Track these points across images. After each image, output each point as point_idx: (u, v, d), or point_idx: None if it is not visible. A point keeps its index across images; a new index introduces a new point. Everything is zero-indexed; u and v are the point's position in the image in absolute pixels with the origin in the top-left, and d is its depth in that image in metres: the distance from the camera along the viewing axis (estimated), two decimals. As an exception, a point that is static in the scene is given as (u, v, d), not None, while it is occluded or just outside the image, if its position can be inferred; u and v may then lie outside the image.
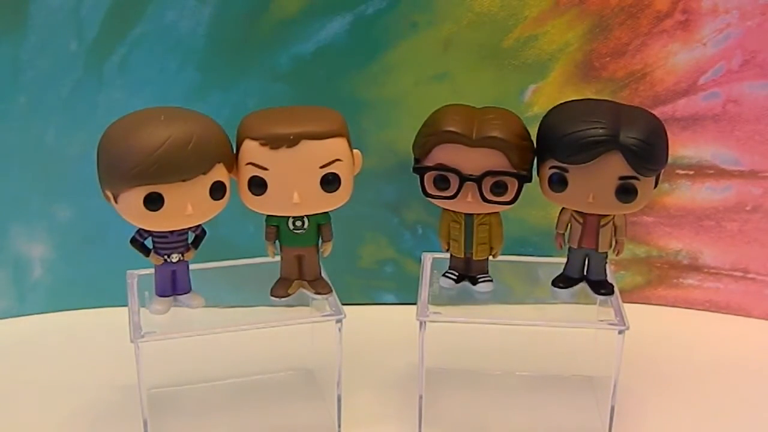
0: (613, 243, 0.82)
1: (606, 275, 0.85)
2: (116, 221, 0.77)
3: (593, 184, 0.77)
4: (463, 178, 0.79)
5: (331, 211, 0.81)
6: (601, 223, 0.81)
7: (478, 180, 0.79)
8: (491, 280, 0.86)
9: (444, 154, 0.79)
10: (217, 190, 0.76)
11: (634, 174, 0.76)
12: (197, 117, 0.76)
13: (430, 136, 0.79)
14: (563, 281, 0.85)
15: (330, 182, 0.78)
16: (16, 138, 0.99)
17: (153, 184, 0.73)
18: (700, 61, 0.98)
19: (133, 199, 0.74)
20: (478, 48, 0.98)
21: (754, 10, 0.96)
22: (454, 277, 0.86)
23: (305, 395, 0.92)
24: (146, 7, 0.96)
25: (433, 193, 0.81)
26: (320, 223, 0.82)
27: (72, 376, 0.95)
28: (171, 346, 0.80)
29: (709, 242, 1.06)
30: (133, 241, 0.79)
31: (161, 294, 0.81)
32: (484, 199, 0.80)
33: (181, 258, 0.80)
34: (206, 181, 0.75)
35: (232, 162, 0.78)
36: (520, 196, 0.80)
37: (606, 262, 0.84)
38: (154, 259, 0.80)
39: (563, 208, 0.82)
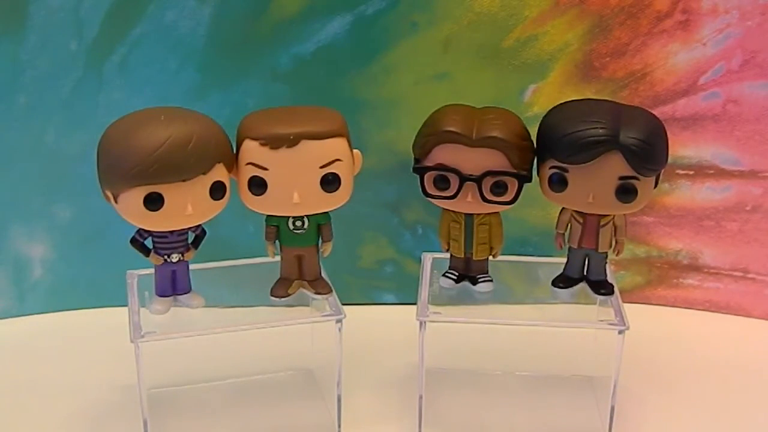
0: (613, 243, 0.82)
1: (606, 275, 0.85)
2: (116, 221, 0.77)
3: (593, 184, 0.77)
4: (463, 178, 0.79)
5: (331, 211, 0.81)
6: (601, 223, 0.81)
7: (478, 180, 0.79)
8: (491, 280, 0.86)
9: (444, 154, 0.79)
10: (217, 190, 0.76)
11: (634, 174, 0.76)
12: (197, 117, 0.76)
13: (430, 136, 0.79)
14: (563, 281, 0.85)
15: (330, 182, 0.78)
16: (16, 138, 0.99)
17: (153, 184, 0.73)
18: (700, 61, 0.98)
19: (133, 199, 0.74)
20: (478, 48, 0.98)
21: (754, 10, 0.96)
22: (454, 277, 0.86)
23: (305, 395, 0.92)
24: (146, 7, 0.96)
25: (433, 193, 0.81)
26: (320, 223, 0.82)
27: (72, 376, 0.95)
28: (171, 346, 0.80)
29: (709, 242, 1.06)
30: (133, 241, 0.79)
31: (161, 294, 0.81)
32: (484, 199, 0.80)
33: (181, 258, 0.80)
34: (206, 181, 0.75)
35: (232, 162, 0.78)
36: (520, 196, 0.80)
37: (606, 262, 0.84)
38: (154, 259, 0.80)
39: (563, 208, 0.82)
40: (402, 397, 0.91)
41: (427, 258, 0.90)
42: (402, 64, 0.99)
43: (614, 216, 0.81)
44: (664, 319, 1.08)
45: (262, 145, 0.76)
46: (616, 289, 0.85)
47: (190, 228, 0.80)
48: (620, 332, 0.81)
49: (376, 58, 0.99)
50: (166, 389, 0.91)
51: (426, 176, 0.80)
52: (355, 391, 0.90)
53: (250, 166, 0.77)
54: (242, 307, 0.85)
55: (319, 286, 0.84)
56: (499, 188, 0.79)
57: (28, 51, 0.96)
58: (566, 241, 0.83)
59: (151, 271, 0.82)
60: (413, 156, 0.81)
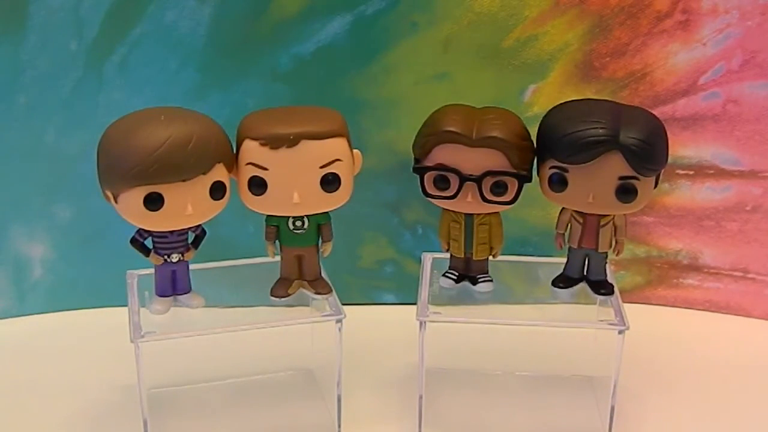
0: (613, 243, 0.82)
1: (606, 275, 0.85)
2: (116, 221, 0.77)
3: (593, 184, 0.77)
4: (463, 178, 0.79)
5: (331, 211, 0.81)
6: (601, 223, 0.81)
7: (478, 180, 0.79)
8: (491, 280, 0.86)
9: (444, 154, 0.79)
10: (217, 190, 0.76)
11: (634, 174, 0.76)
12: (197, 117, 0.76)
13: (430, 136, 0.79)
14: (563, 281, 0.85)
15: (330, 182, 0.78)
16: (16, 138, 0.99)
17: (153, 184, 0.73)
18: (700, 61, 0.98)
19: (133, 199, 0.74)
20: (478, 48, 0.98)
21: (754, 10, 0.96)
22: (454, 277, 0.86)
23: (305, 395, 0.92)
24: (146, 7, 0.96)
25: (433, 193, 0.81)
26: (320, 223, 0.82)
27: (72, 376, 0.95)
28: (171, 346, 0.80)
29: (709, 242, 1.06)
30: (133, 241, 0.79)
31: (161, 294, 0.81)
32: (484, 199, 0.80)
33: (181, 258, 0.80)
34: (206, 181, 0.75)
35: (232, 162, 0.78)
36: (520, 196, 0.80)
37: (606, 262, 0.84)
38: (154, 259, 0.80)
39: (563, 208, 0.82)
40: (402, 397, 0.91)
41: (427, 258, 0.90)
42: (402, 64, 0.99)
43: (614, 216, 0.81)
44: (664, 319, 1.08)
45: (262, 145, 0.76)
46: (616, 289, 0.85)
47: (190, 228, 0.80)
48: (620, 332, 0.81)
49: (376, 58, 0.99)
50: (166, 389, 0.91)
51: (426, 176, 0.80)
52: (355, 391, 0.90)
53: (250, 166, 0.77)
54: (242, 307, 0.85)
55: (319, 286, 0.84)
56: (499, 188, 0.79)
57: (28, 51, 0.96)
58: (566, 241, 0.83)
59: (151, 271, 0.82)
60: (413, 156, 0.81)
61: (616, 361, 0.82)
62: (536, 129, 0.80)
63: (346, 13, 0.97)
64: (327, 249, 0.83)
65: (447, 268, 0.87)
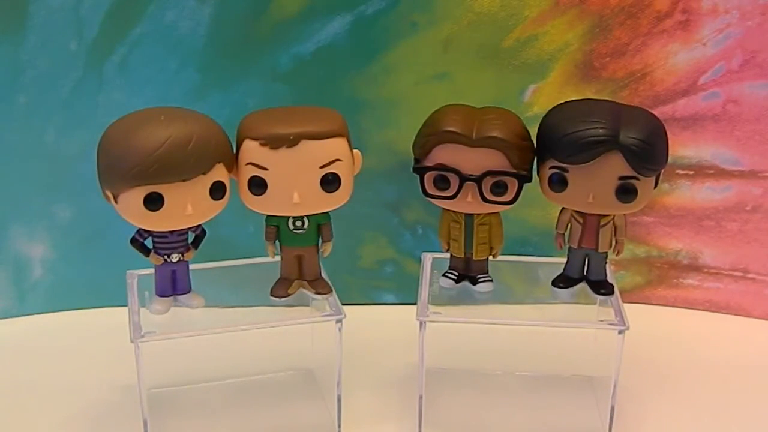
0: (613, 243, 0.82)
1: (606, 275, 0.85)
2: (116, 221, 0.77)
3: (593, 184, 0.77)
4: (463, 178, 0.79)
5: (331, 211, 0.81)
6: (601, 223, 0.81)
7: (478, 180, 0.79)
8: (491, 280, 0.86)
9: (444, 154, 0.79)
10: (217, 190, 0.76)
11: (634, 174, 0.76)
12: (197, 117, 0.76)
13: (430, 136, 0.79)
14: (563, 281, 0.85)
15: (330, 182, 0.78)
16: (16, 138, 0.99)
17: (153, 184, 0.73)
18: (700, 61, 0.98)
19: (133, 199, 0.74)
20: (478, 48, 0.98)
21: (754, 10, 0.96)
22: (454, 277, 0.86)
23: (305, 395, 0.92)
24: (146, 7, 0.96)
25: (433, 193, 0.81)
26: (320, 223, 0.82)
27: (72, 376, 0.95)
28: (171, 346, 0.80)
29: (709, 242, 1.06)
30: (133, 241, 0.79)
31: (161, 294, 0.81)
32: (484, 199, 0.80)
33: (181, 258, 0.80)
34: (206, 181, 0.75)
35: (232, 162, 0.78)
36: (520, 196, 0.80)
37: (606, 262, 0.84)
38: (154, 259, 0.80)
39: (563, 208, 0.82)
40: (402, 397, 0.91)
41: (427, 258, 0.90)
42: (402, 64, 0.99)
43: (614, 216, 0.81)
44: (664, 319, 1.08)
45: (262, 145, 0.76)
46: (616, 289, 0.85)
47: (190, 228, 0.80)
48: (620, 332, 0.81)
49: (376, 58, 0.99)
50: (166, 389, 0.91)
51: (426, 176, 0.80)
52: (355, 391, 0.90)
53: (250, 166, 0.77)
54: (242, 307, 0.85)
55: (319, 286, 0.84)
56: (499, 188, 0.79)
57: (28, 51, 0.96)
58: (566, 241, 0.83)
59: (151, 271, 0.82)
60: (413, 156, 0.81)
61: (616, 361, 0.82)
62: (536, 129, 0.80)
63: (346, 13, 0.97)
64: (327, 249, 0.83)
65: (447, 268, 0.87)
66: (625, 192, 0.77)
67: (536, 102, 1.00)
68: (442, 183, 0.80)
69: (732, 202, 1.04)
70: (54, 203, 1.03)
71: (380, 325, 1.02)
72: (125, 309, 0.83)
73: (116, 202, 0.75)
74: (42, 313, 1.06)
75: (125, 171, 0.72)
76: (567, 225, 0.83)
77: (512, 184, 0.79)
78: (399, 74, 0.99)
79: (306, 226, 0.81)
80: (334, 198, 0.79)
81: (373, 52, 0.99)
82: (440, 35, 0.98)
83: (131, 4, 0.96)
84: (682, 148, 1.02)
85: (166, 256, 0.80)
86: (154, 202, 0.74)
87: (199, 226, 0.80)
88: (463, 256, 0.85)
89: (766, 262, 1.06)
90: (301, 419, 0.89)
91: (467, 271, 0.86)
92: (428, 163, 0.80)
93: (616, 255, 0.83)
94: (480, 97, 0.88)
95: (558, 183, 0.78)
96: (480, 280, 0.85)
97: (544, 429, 0.89)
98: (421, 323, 0.82)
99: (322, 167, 0.77)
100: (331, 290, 0.84)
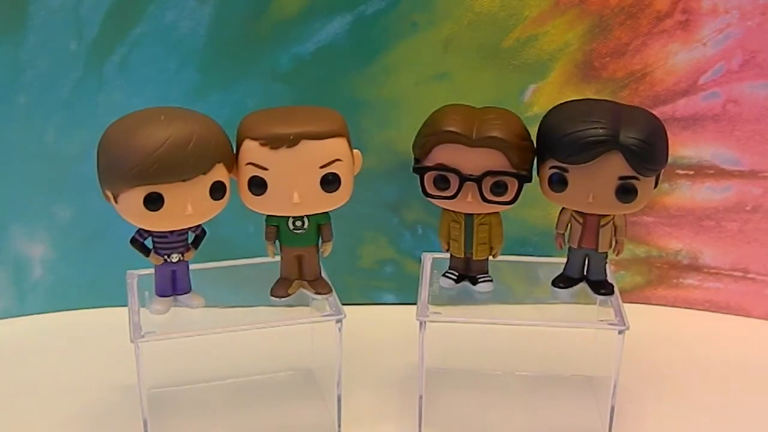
0: (613, 243, 0.82)
1: (606, 275, 0.85)
2: (116, 221, 0.77)
3: (593, 184, 0.77)
4: (463, 178, 0.79)
5: (331, 211, 0.81)
6: (601, 223, 0.81)
7: (478, 180, 0.79)
8: (491, 280, 0.86)
9: (444, 154, 0.79)
10: (217, 190, 0.76)
11: (634, 174, 0.76)
12: (197, 117, 0.76)
13: (430, 136, 0.79)
14: (563, 281, 0.85)
15: (330, 182, 0.78)
16: (16, 138, 0.99)
17: (153, 184, 0.73)
18: (700, 61, 0.98)
19: (133, 199, 0.74)
20: (478, 48, 0.98)
21: (754, 10, 0.96)
22: (454, 277, 0.86)
23: (305, 395, 0.92)
24: (146, 7, 0.96)
25: (433, 193, 0.81)
26: (320, 223, 0.82)
27: (72, 376, 0.95)
28: (171, 346, 0.80)
29: (709, 242, 1.06)
30: (133, 241, 0.79)
31: (161, 294, 0.81)
32: (484, 199, 0.80)
33: (181, 258, 0.80)
34: (206, 181, 0.75)
35: (232, 162, 0.78)
36: (520, 196, 0.80)
37: (606, 262, 0.84)
38: (154, 259, 0.80)
39: (563, 208, 0.82)
40: (402, 397, 0.91)
41: (427, 258, 0.90)
42: (402, 64, 0.99)
43: (614, 216, 0.81)
44: (664, 319, 1.08)
45: (262, 145, 0.76)
46: (616, 289, 0.85)
47: (190, 228, 0.80)
48: (620, 332, 0.81)
49: (376, 58, 0.99)
50: (166, 389, 0.91)
51: (426, 176, 0.80)
52: (355, 391, 0.90)
53: (250, 166, 0.77)
54: (242, 307, 0.85)
55: (319, 286, 0.84)
56: (499, 188, 0.79)
57: (28, 51, 0.96)
58: (566, 241, 0.83)
59: (151, 271, 0.82)
60: (413, 156, 0.81)
61: (616, 361, 0.82)
62: (536, 129, 0.80)
63: (346, 13, 0.97)
64: (327, 249, 0.83)
65: (447, 268, 0.87)
66: (625, 192, 0.77)
67: (536, 102, 1.00)
68: (442, 183, 0.80)
69: (732, 202, 1.04)
70: (54, 203, 1.03)
71: (380, 325, 1.02)
72: (125, 309, 0.83)
73: (116, 202, 0.75)
74: (42, 313, 1.06)
75: (125, 171, 0.72)
76: (567, 225, 0.83)
77: (512, 184, 0.79)
78: (399, 74, 0.99)
79: (306, 226, 0.81)
80: (334, 198, 0.79)
81: (373, 52, 0.99)
82: (440, 35, 0.98)
83: (131, 4, 0.96)
84: (682, 148, 1.02)
85: (166, 256, 0.80)
86: (154, 202, 0.74)
87: (199, 226, 0.80)
88: (463, 256, 0.85)
89: (766, 262, 1.06)
90: (301, 419, 0.89)
91: (467, 271, 0.86)
92: (428, 163, 0.80)
93: (616, 255, 0.83)
94: (480, 97, 0.88)
95: (558, 183, 0.78)
96: (480, 280, 0.85)
97: (544, 429, 0.89)
98: (421, 323, 0.82)
99: (322, 167, 0.77)
100: (331, 290, 0.84)
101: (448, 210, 0.83)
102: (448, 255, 0.86)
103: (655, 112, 0.80)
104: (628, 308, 0.84)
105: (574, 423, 0.89)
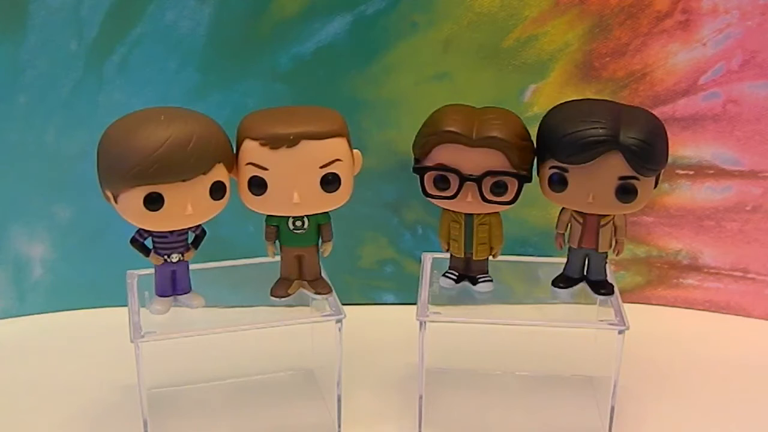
0: (613, 243, 0.82)
1: (606, 275, 0.85)
2: (116, 221, 0.77)
3: (593, 184, 0.77)
4: (463, 178, 0.79)
5: (331, 211, 0.81)
6: (601, 223, 0.81)
7: (478, 180, 0.79)
8: (491, 280, 0.86)
9: (444, 154, 0.79)
10: (217, 190, 0.76)
11: (634, 174, 0.76)
12: (197, 117, 0.76)
13: (430, 136, 0.79)
14: (563, 281, 0.85)
15: (330, 182, 0.78)
16: (16, 138, 0.99)
17: (153, 184, 0.73)
18: (700, 61, 0.98)
19: (133, 199, 0.74)
20: (478, 48, 0.98)
21: (754, 10, 0.96)
22: (454, 277, 0.86)
23: (305, 395, 0.92)
24: (146, 7, 0.96)
25: (433, 193, 0.81)
26: (320, 223, 0.82)
27: (72, 376, 0.95)
28: (171, 346, 0.80)
29: (709, 242, 1.06)
30: (133, 241, 0.79)
31: (161, 294, 0.81)
32: (484, 199, 0.80)
33: (181, 258, 0.80)
34: (206, 181, 0.75)
35: (232, 162, 0.78)
36: (520, 196, 0.80)
37: (606, 262, 0.84)
38: (154, 259, 0.80)
39: (563, 208, 0.82)
40: (402, 397, 0.91)
41: (427, 258, 0.90)
42: (402, 64, 0.99)
43: (614, 216, 0.81)
44: (664, 319, 1.08)
45: (262, 145, 0.76)
46: (616, 289, 0.85)
47: (190, 228, 0.80)
48: (620, 332, 0.81)
49: (376, 58, 0.99)
50: (166, 389, 0.91)
51: (426, 176, 0.80)
52: (355, 391, 0.90)
53: (250, 166, 0.77)
54: (242, 307, 0.85)
55: (319, 286, 0.84)
56: (499, 188, 0.79)
57: (28, 51, 0.96)
58: (566, 241, 0.83)
59: (151, 271, 0.82)
60: (413, 156, 0.81)
61: (616, 361, 0.82)
62: (536, 129, 0.80)
63: (346, 13, 0.97)
64: (327, 249, 0.83)
65: (447, 268, 0.87)
66: (625, 192, 0.77)
67: (536, 102, 1.00)
68: (442, 183, 0.80)
69: (732, 202, 1.04)
70: (54, 203, 1.03)
71: (380, 325, 1.02)
72: (125, 309, 0.83)
73: (116, 202, 0.75)
74: (42, 313, 1.06)
75: (125, 171, 0.72)
76: (567, 225, 0.83)
77: (512, 184, 0.79)
78: (399, 74, 0.99)
79: (306, 226, 0.81)
80: (334, 198, 0.79)
81: (373, 52, 0.99)
82: (440, 35, 0.98)
83: (131, 4, 0.96)
84: (682, 148, 1.02)
85: (166, 256, 0.80)
86: (154, 202, 0.74)
87: (199, 226, 0.80)
88: (463, 256, 0.85)
89: (766, 262, 1.06)
90: (301, 419, 0.89)
91: (467, 271, 0.86)
92: (428, 163, 0.80)
93: (616, 255, 0.83)
94: (480, 97, 0.88)
95: (558, 183, 0.78)
96: (480, 280, 0.85)
97: (544, 429, 0.89)
98: (421, 323, 0.82)
99: (322, 167, 0.77)
100: (331, 290, 0.84)
101: (448, 210, 0.83)
102: (448, 255, 0.86)
103: (655, 112, 0.80)
104: (628, 308, 0.84)
105: (574, 423, 0.89)
